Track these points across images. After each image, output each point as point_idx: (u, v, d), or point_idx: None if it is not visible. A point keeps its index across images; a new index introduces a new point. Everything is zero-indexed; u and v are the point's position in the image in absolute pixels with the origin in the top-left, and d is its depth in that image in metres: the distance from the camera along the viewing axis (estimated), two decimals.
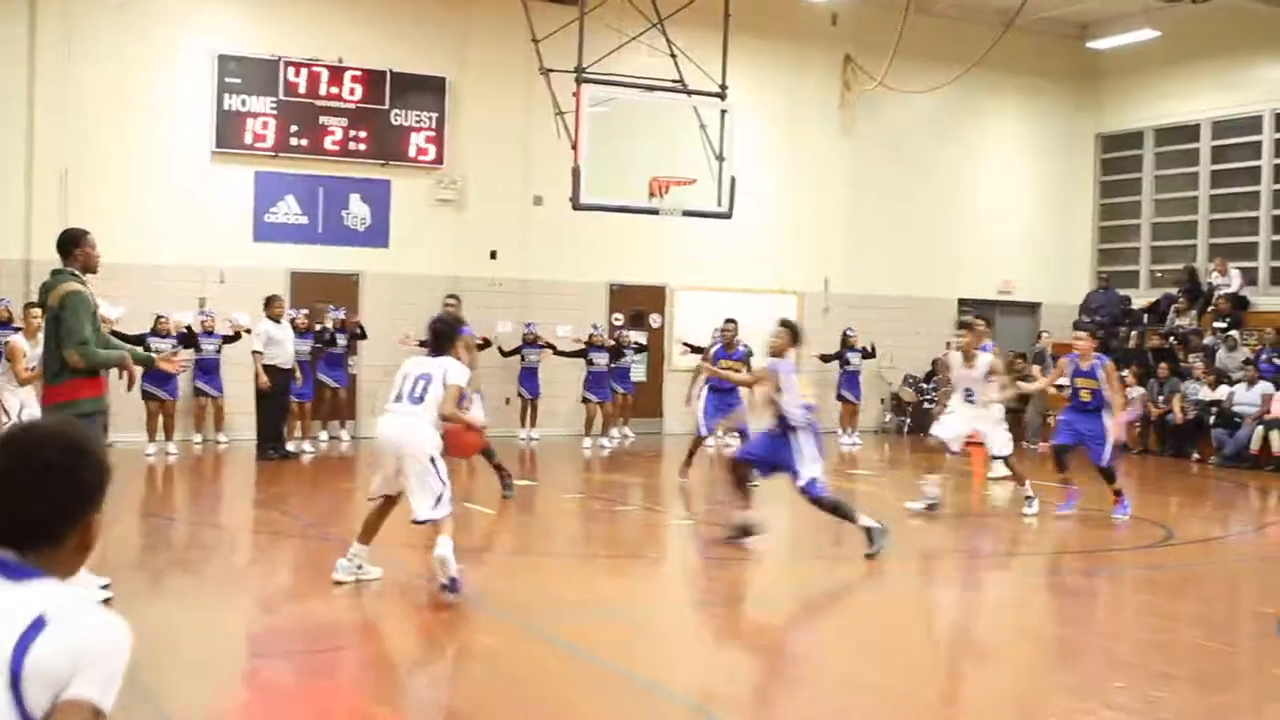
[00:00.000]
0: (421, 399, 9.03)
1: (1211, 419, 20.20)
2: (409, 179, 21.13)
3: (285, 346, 17.72)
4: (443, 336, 9.41)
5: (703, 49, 18.32)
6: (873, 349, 22.79)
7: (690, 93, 18.19)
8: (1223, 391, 20.41)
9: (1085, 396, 13.70)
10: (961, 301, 25.81)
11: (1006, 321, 26.31)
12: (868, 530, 10.68)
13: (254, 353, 17.52)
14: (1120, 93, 26.79)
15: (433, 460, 8.87)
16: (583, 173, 16.98)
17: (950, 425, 13.91)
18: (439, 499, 8.80)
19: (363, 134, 20.63)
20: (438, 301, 20.57)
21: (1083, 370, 13.80)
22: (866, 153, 24.76)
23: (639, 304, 22.31)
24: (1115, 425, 13.57)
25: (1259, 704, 7.16)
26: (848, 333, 22.57)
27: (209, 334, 18.61)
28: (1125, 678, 7.50)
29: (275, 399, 17.54)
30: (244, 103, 19.93)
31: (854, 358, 22.37)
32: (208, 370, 18.75)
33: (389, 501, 9.19)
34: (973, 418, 13.90)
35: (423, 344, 10.25)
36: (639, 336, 22.25)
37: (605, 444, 20.50)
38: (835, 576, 10.77)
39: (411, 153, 21.00)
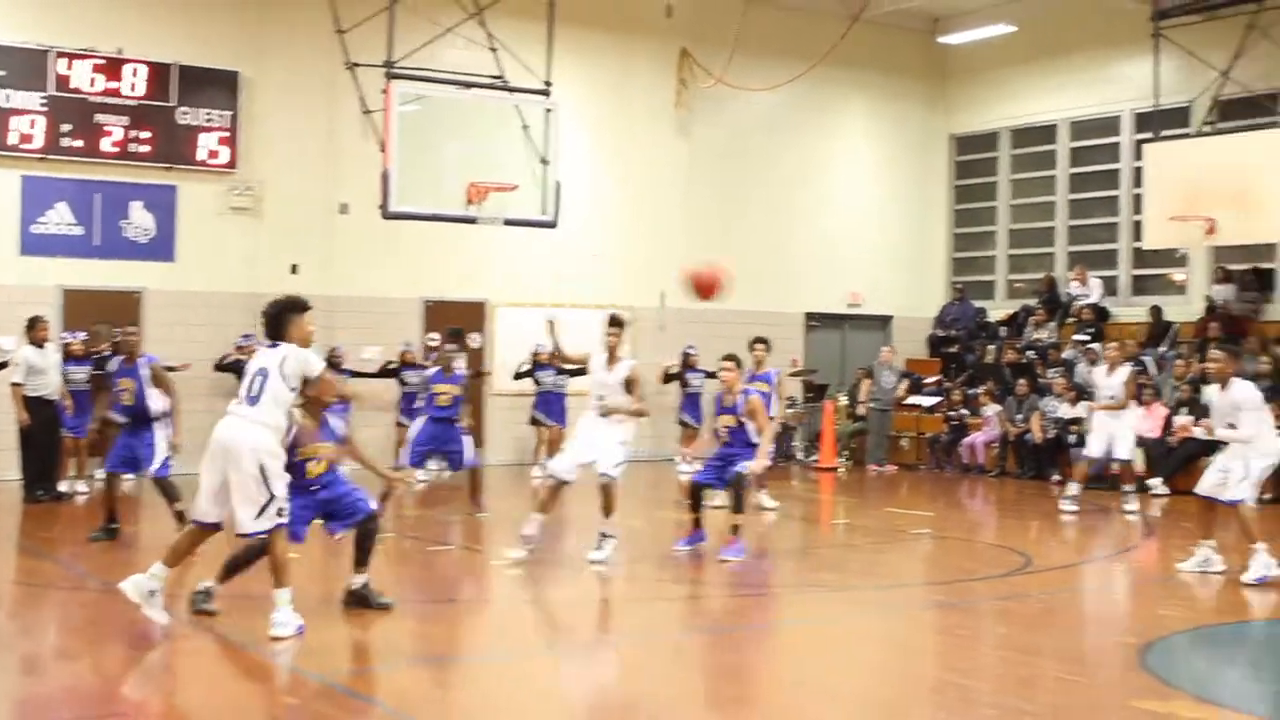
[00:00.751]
0: (258, 398, 8.98)
1: (1072, 438, 20.78)
2: (198, 185, 20.74)
3: (50, 375, 17.20)
4: (276, 320, 9.28)
5: (525, 42, 18.38)
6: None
7: (511, 90, 18.22)
8: (1083, 408, 21.02)
9: (723, 436, 13.30)
10: (809, 315, 26.24)
11: (857, 336, 26.83)
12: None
13: (13, 385, 16.99)
14: (974, 91, 27.52)
15: (262, 469, 8.81)
16: (393, 178, 16.88)
17: (568, 454, 12.92)
18: (262, 509, 8.83)
19: (145, 134, 20.21)
20: (230, 322, 20.31)
21: (725, 407, 13.23)
22: (705, 155, 25.03)
23: (457, 322, 22.19)
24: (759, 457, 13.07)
25: None
26: (688, 351, 22.73)
27: None
28: (980, 717, 7.67)
29: (42, 434, 17.03)
30: (7, 98, 19.39)
31: (695, 378, 22.53)
32: None
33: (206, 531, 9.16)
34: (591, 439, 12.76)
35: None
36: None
37: (422, 477, 20.32)
38: (670, 615, 10.83)
39: (201, 155, 20.64)
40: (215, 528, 9.26)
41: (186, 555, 9.31)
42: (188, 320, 20.41)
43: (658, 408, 22.48)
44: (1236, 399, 12.27)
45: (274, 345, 9.26)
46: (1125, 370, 17.35)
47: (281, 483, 9.01)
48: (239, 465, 8.85)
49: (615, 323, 12.82)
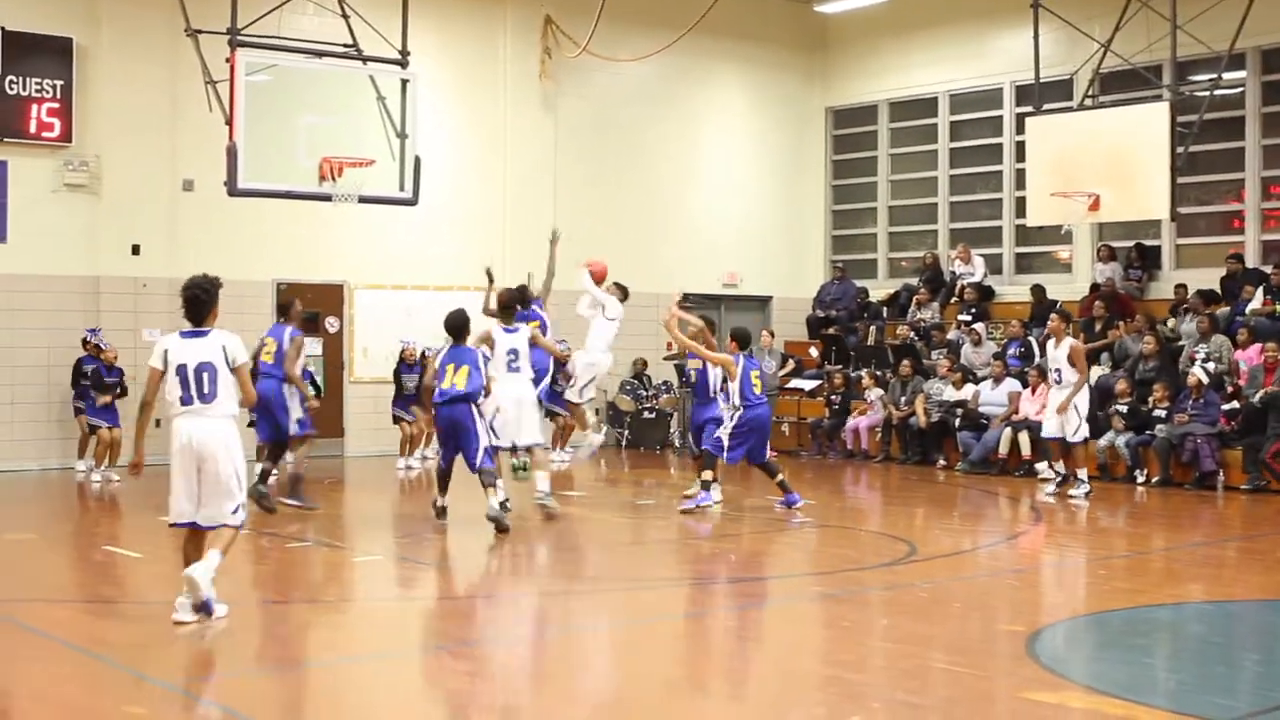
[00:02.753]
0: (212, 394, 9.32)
1: (957, 421, 21.08)
2: (29, 160, 20.25)
3: None
4: (198, 304, 9.57)
5: (380, 9, 18.17)
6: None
7: (366, 59, 17.98)
8: (968, 391, 21.32)
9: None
10: (685, 295, 26.21)
11: (734, 318, 26.90)
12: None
13: None
14: (852, 63, 27.76)
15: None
16: (240, 152, 16.56)
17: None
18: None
19: None
20: (69, 308, 19.88)
21: None
22: (573, 129, 24.96)
23: (312, 305, 21.91)
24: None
25: None
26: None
27: None
28: (864, 711, 7.72)
29: None
30: None
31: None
32: None
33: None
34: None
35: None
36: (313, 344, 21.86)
37: (275, 471, 20.04)
38: (541, 611, 10.80)
39: (32, 128, 20.16)
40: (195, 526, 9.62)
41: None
42: (23, 305, 19.94)
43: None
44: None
45: (202, 333, 9.55)
46: (1069, 342, 17.64)
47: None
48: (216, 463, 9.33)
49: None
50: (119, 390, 19.25)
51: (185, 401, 9.34)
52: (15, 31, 19.93)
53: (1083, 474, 17.41)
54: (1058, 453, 17.96)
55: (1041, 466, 19.46)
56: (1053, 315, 18.19)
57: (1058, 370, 17.48)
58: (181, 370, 9.37)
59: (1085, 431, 17.43)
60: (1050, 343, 17.87)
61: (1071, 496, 17.21)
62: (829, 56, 28.06)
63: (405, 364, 20.80)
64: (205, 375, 9.29)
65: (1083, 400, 17.37)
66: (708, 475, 15.73)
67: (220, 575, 9.60)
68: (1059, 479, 17.88)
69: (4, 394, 19.97)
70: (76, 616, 10.16)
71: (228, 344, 9.41)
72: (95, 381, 19.09)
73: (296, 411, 15.45)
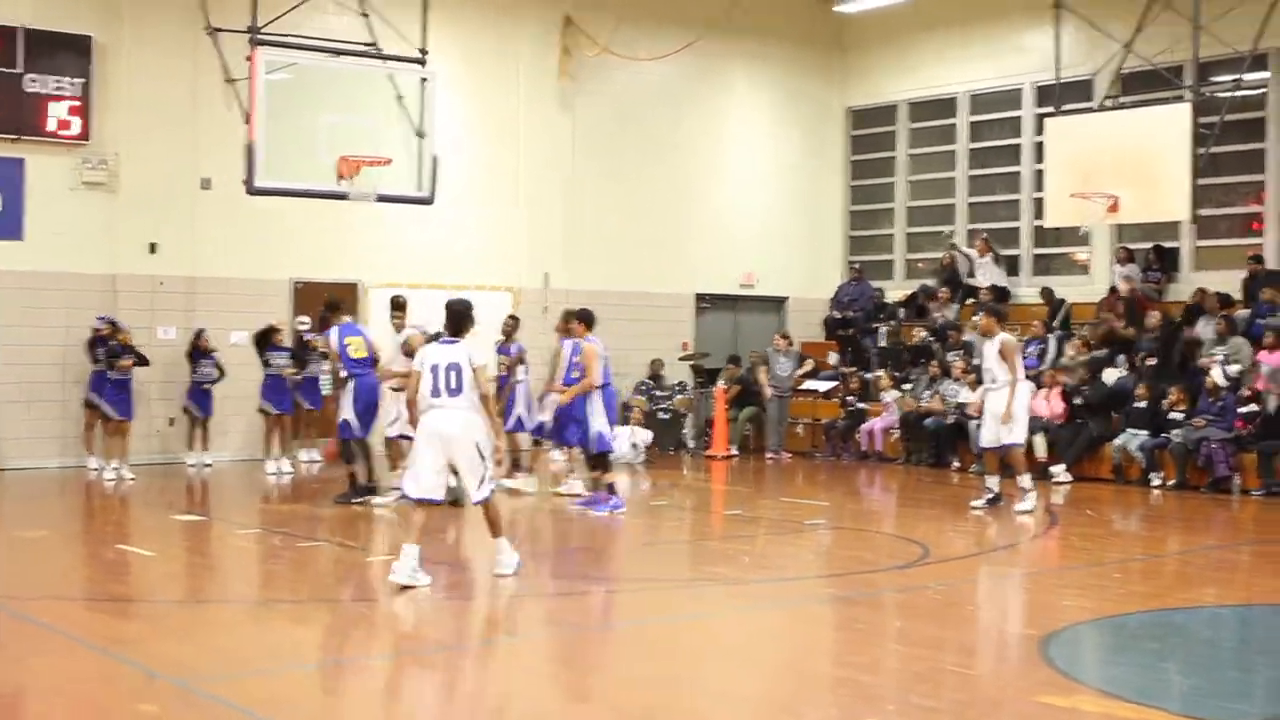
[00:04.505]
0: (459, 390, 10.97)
1: (973, 423, 21.02)
2: (48, 158, 20.30)
3: None
4: (463, 318, 11.41)
5: (399, 7, 18.21)
6: None
7: (385, 58, 18.03)
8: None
9: None
10: (699, 296, 26.31)
11: (750, 318, 26.95)
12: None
13: None
14: (871, 63, 27.74)
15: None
16: (259, 151, 16.62)
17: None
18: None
19: None
20: (86, 305, 19.94)
21: None
22: (590, 128, 24.98)
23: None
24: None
25: None
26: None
27: None
28: (878, 712, 7.74)
29: None
30: None
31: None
32: None
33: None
34: None
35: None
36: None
37: (289, 468, 20.12)
38: (554, 611, 10.82)
39: (51, 126, 20.21)
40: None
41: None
42: (39, 304, 20.01)
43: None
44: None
45: (454, 341, 11.21)
46: (1000, 339, 16.19)
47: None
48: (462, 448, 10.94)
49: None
50: (135, 360, 19.16)
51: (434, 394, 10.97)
52: (36, 30, 19.98)
53: (1026, 480, 16.09)
54: (995, 464, 16.41)
55: (1058, 469, 19.44)
56: (982, 313, 17.11)
57: (989, 371, 16.25)
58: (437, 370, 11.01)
59: (1022, 435, 16.28)
60: (988, 344, 16.39)
61: (1019, 511, 15.87)
62: (848, 56, 28.03)
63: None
64: (452, 373, 10.97)
65: (1020, 401, 16.02)
66: (610, 478, 15.90)
67: (233, 574, 9.64)
68: (992, 496, 16.27)
69: (21, 391, 20.03)
70: (89, 614, 10.21)
71: (473, 352, 11.15)
72: (110, 356, 19.04)
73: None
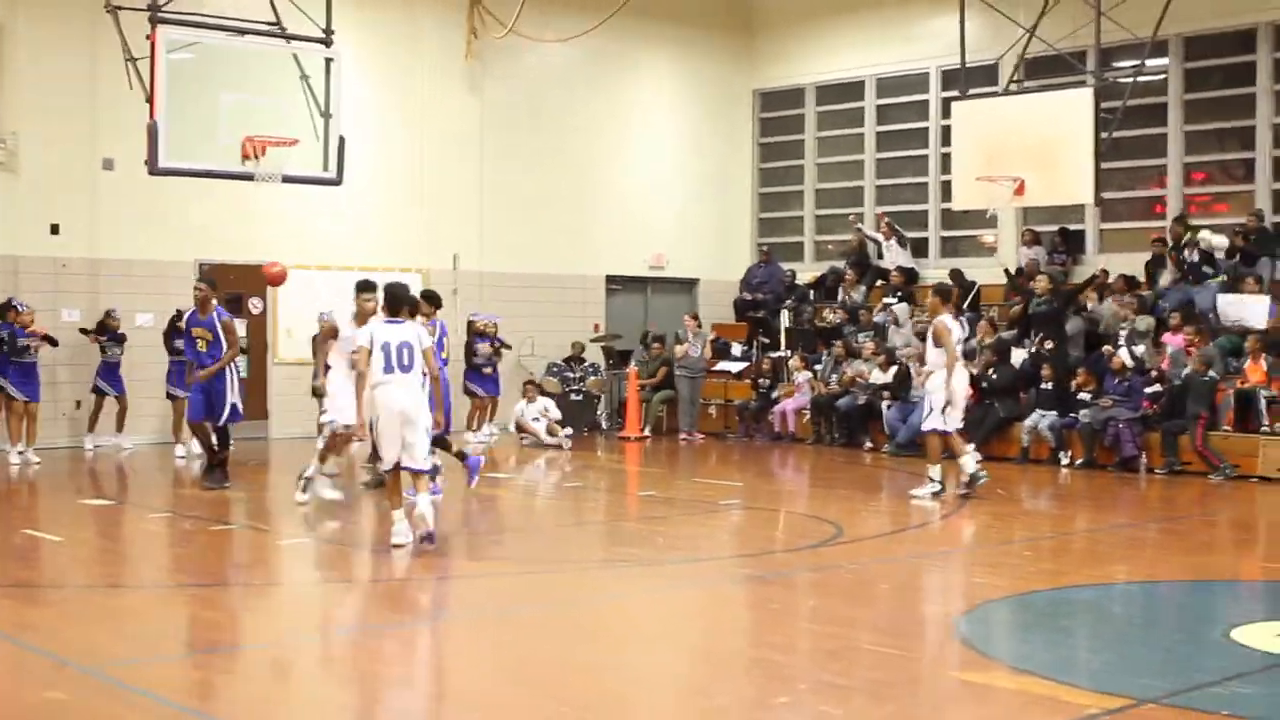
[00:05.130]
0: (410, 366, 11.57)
1: (885, 403, 21.16)
2: None
3: None
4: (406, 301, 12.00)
5: None
6: (498, 346, 22.68)
7: (289, 38, 17.85)
8: (893, 373, 21.39)
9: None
10: (610, 278, 26.29)
11: (661, 300, 26.97)
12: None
13: None
14: (779, 46, 27.80)
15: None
16: (161, 131, 16.42)
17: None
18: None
19: None
20: None
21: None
22: (498, 111, 24.86)
23: (235, 286, 21.70)
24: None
25: (939, 710, 7.51)
26: (473, 318, 22.59)
27: None
28: (790, 692, 7.74)
29: None
30: None
31: (482, 347, 22.31)
32: None
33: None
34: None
35: None
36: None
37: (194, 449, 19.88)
38: (474, 591, 10.77)
39: None
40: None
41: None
42: None
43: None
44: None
45: (399, 321, 11.77)
46: (935, 322, 15.82)
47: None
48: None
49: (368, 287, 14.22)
50: (40, 343, 18.84)
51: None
52: None
53: (935, 471, 15.75)
54: (936, 450, 15.86)
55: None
56: (931, 292, 16.53)
57: (928, 353, 15.94)
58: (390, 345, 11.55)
59: (953, 421, 15.65)
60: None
61: (915, 496, 15.65)
62: (757, 39, 28.09)
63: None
64: (406, 351, 11.55)
65: (958, 383, 15.63)
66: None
67: (144, 559, 9.50)
68: (937, 487, 15.72)
69: None
70: None
71: (421, 331, 11.91)
72: (10, 345, 18.75)
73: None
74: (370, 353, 11.56)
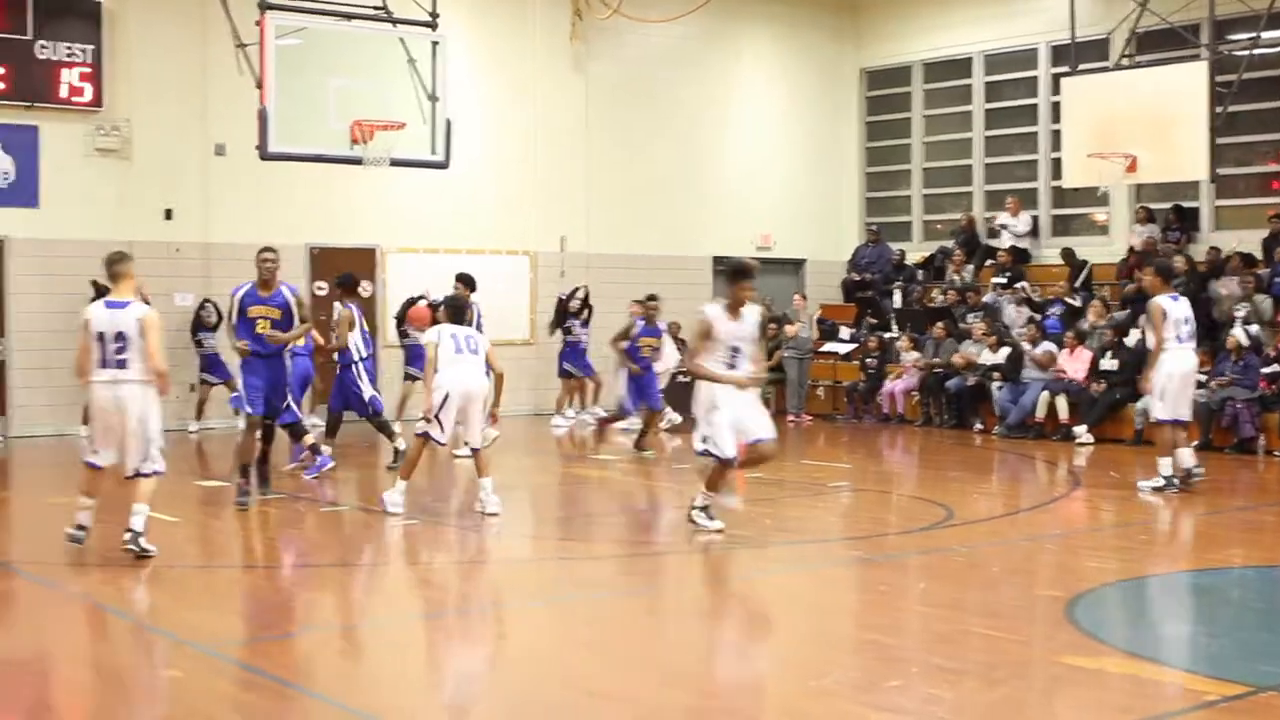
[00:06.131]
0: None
1: (995, 384, 20.93)
2: (61, 125, 20.29)
3: None
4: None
5: None
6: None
7: (396, 22, 17.94)
8: (1004, 354, 21.16)
9: None
10: (717, 259, 26.22)
11: (768, 281, 26.77)
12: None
13: None
14: (886, 23, 27.56)
15: None
16: (271, 116, 16.58)
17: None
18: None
19: (1, 70, 19.72)
20: (100, 271, 19.82)
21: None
22: (603, 91, 24.88)
23: (346, 269, 21.87)
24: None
25: (1049, 696, 7.44)
26: (563, 296, 22.71)
27: None
28: (901, 675, 7.71)
29: None
30: None
31: (576, 326, 22.41)
32: None
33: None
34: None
35: None
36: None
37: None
38: (578, 574, 10.81)
39: (63, 93, 20.19)
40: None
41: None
42: (54, 270, 20.02)
43: (542, 357, 22.77)
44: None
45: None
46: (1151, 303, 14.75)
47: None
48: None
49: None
50: None
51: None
52: None
53: (1164, 465, 14.63)
54: (1166, 444, 14.65)
55: (1080, 430, 19.38)
56: (1151, 270, 15.38)
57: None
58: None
59: (1165, 410, 14.47)
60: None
61: (1141, 490, 14.79)
62: (862, 17, 27.87)
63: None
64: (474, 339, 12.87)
65: (1172, 367, 14.39)
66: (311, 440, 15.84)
67: (258, 539, 9.63)
68: (1169, 478, 14.56)
69: (38, 359, 20.04)
70: (114, 579, 10.21)
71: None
72: None
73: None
74: (438, 345, 12.76)
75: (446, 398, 12.61)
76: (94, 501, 10.83)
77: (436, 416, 12.65)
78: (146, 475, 10.61)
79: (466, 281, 17.41)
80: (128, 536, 10.36)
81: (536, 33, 24.25)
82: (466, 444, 13.37)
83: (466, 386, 12.73)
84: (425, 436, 12.77)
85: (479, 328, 15.14)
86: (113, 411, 10.56)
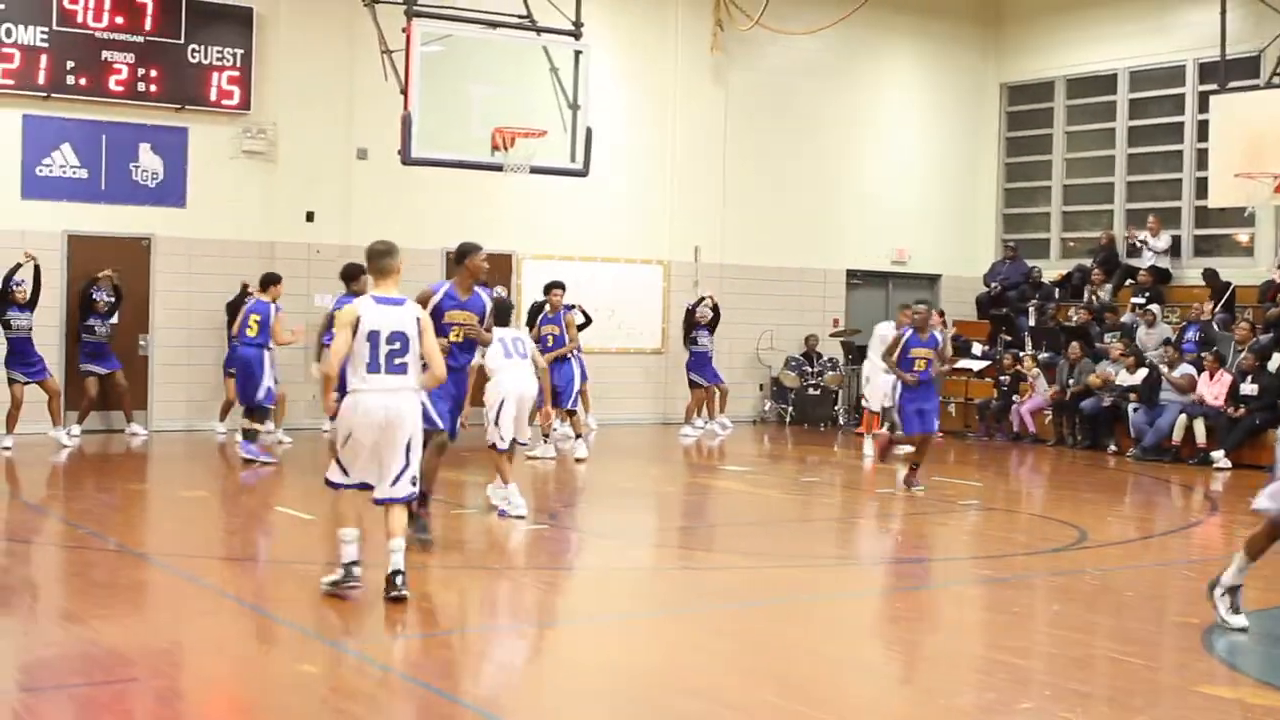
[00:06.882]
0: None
1: (1131, 406, 20.60)
2: (210, 127, 20.73)
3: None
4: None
5: None
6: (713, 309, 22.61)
7: (540, 30, 18.09)
8: (1141, 375, 20.83)
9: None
10: (851, 273, 26.13)
11: (902, 296, 26.63)
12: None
13: None
14: (1028, 38, 27.28)
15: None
16: (414, 122, 16.78)
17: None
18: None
19: (154, 73, 20.18)
20: (243, 272, 20.25)
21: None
22: (742, 102, 24.88)
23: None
24: None
25: None
26: (691, 306, 22.72)
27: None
28: (1034, 698, 7.63)
29: None
30: (8, 32, 19.36)
31: (703, 336, 22.33)
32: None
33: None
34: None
35: None
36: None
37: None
38: (710, 583, 10.82)
39: (213, 96, 20.62)
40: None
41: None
42: (198, 269, 20.45)
43: (670, 368, 22.79)
44: None
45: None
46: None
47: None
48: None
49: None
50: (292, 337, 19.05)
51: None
52: (198, 1, 20.37)
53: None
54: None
55: (1217, 455, 19.02)
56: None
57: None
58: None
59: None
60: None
61: None
62: (1004, 31, 27.61)
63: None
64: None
65: None
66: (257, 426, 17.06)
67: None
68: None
69: (182, 355, 20.50)
70: (249, 574, 10.40)
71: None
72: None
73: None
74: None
75: (503, 402, 12.92)
76: (359, 531, 9.54)
77: (497, 422, 12.93)
78: (401, 500, 9.41)
79: (559, 286, 18.55)
80: (399, 581, 9.14)
81: (677, 43, 24.33)
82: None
83: (521, 390, 13.09)
84: (493, 447, 12.99)
85: (588, 321, 19.03)
86: (382, 425, 9.20)
